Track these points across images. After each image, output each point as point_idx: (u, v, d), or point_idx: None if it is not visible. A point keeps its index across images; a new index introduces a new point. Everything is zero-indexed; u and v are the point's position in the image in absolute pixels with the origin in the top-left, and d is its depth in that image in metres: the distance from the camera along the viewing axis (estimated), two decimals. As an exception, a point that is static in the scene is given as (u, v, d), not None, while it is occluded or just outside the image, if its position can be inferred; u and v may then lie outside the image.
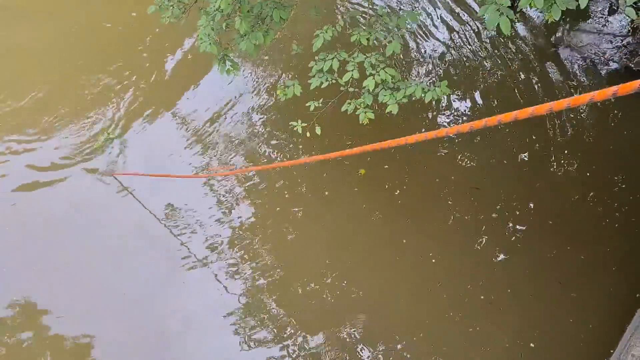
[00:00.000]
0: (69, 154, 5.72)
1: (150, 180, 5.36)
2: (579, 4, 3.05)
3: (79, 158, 5.69)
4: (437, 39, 6.57)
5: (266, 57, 6.46)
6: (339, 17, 4.87)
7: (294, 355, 4.58)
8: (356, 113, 4.72)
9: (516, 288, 4.75)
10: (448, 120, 5.82)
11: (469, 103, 5.96)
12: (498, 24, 3.43)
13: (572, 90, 5.94)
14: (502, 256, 4.92)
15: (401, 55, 6.24)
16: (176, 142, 5.80)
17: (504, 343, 4.49)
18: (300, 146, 5.70)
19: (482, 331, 4.57)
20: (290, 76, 6.12)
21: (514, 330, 4.54)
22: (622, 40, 6.49)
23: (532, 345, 4.46)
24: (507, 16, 3.37)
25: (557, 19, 3.07)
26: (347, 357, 4.53)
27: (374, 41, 4.75)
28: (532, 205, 5.18)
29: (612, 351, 3.82)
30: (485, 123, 1.95)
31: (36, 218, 5.25)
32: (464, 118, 5.82)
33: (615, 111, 5.77)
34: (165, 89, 6.24)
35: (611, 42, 6.48)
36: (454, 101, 5.96)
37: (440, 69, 6.25)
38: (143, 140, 5.84)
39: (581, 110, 5.78)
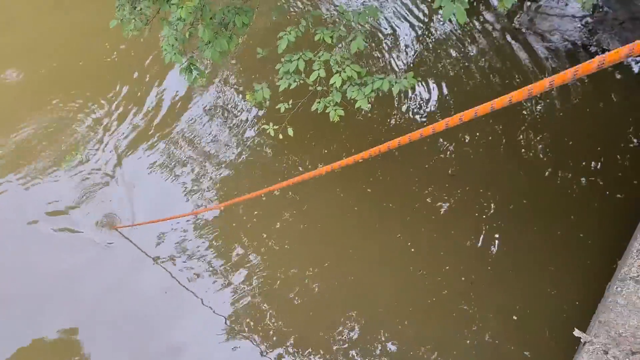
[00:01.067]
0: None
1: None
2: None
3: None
4: (404, 31, 6.63)
5: (233, 62, 6.45)
6: (302, 18, 4.88)
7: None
8: (326, 111, 4.74)
9: (496, 266, 4.81)
10: (418, 110, 5.88)
11: (436, 92, 6.03)
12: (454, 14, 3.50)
13: (539, 74, 6.04)
14: (480, 237, 4.98)
15: (368, 50, 6.29)
16: (163, 174, 5.75)
17: (488, 320, 4.55)
18: (276, 150, 5.71)
19: (466, 312, 4.62)
20: (258, 79, 6.12)
21: (497, 306, 4.61)
22: (581, 20, 6.62)
23: (514, 318, 4.55)
24: (461, 5, 3.42)
25: (509, 7, 3.13)
26: (337, 353, 4.56)
27: (338, 39, 4.79)
28: (506, 186, 5.25)
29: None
30: (461, 117, 1.94)
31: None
32: (433, 107, 5.88)
33: (581, 90, 5.89)
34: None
35: (572, 23, 6.61)
36: (422, 92, 6.02)
37: (408, 60, 6.30)
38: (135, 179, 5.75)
39: (550, 92, 5.89)
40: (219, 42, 4.75)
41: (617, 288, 2.70)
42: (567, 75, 1.63)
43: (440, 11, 3.55)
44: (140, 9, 4.89)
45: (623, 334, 2.58)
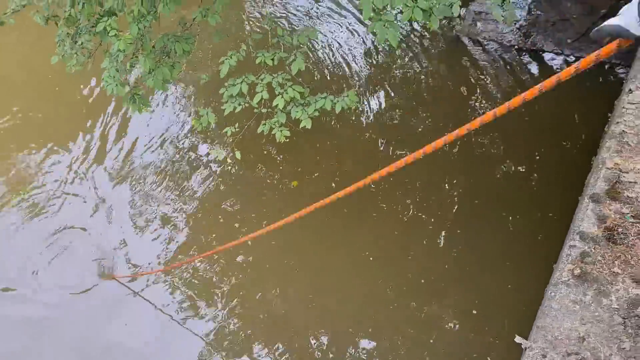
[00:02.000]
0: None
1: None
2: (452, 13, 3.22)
3: None
4: (345, 49, 6.71)
5: (178, 88, 6.37)
6: (242, 42, 4.88)
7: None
8: (272, 133, 4.76)
9: (453, 265, 4.90)
10: (367, 121, 5.96)
11: (382, 103, 6.13)
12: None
13: (480, 80, 6.23)
14: (436, 239, 5.06)
15: (310, 69, 6.34)
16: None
17: (448, 317, 4.64)
18: (229, 174, 5.67)
19: (427, 312, 4.69)
20: (203, 104, 6.07)
21: (456, 302, 4.69)
22: (515, 24, 6.87)
23: (474, 312, 4.65)
24: (394, 30, 3.50)
25: (436, 27, 3.22)
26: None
27: (278, 60, 4.81)
28: (462, 184, 5.36)
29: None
30: (445, 139, 2.04)
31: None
32: (377, 116, 5.97)
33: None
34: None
35: (508, 27, 6.86)
36: (365, 104, 6.10)
37: (350, 78, 6.38)
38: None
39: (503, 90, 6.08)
40: (161, 71, 4.69)
41: (551, 293, 2.81)
42: (534, 91, 1.72)
43: (375, 35, 3.63)
44: (81, 43, 4.77)
45: (559, 336, 2.69)
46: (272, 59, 4.74)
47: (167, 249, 5.20)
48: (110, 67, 4.70)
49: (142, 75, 4.79)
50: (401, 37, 6.73)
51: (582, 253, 2.88)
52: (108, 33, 4.41)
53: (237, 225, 5.27)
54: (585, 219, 2.99)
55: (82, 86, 6.48)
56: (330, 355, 4.60)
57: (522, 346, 2.75)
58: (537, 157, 5.46)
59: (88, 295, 4.92)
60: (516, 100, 1.94)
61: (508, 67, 6.38)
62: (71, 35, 4.70)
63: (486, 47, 6.65)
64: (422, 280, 4.89)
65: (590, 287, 2.78)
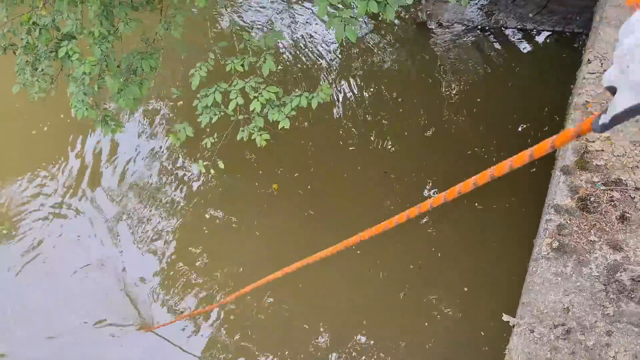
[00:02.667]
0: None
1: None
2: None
3: None
4: (312, 45, 6.69)
5: (153, 106, 6.30)
6: (209, 51, 4.83)
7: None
8: (252, 138, 4.74)
9: (440, 247, 4.96)
10: (342, 112, 5.97)
11: (356, 93, 6.13)
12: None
13: (447, 63, 6.26)
14: (420, 223, 5.09)
15: (280, 70, 6.31)
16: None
17: (440, 296, 4.70)
18: (211, 184, 5.64)
19: (419, 297, 4.74)
20: (179, 119, 6.01)
21: (447, 282, 4.76)
22: (477, 3, 6.91)
23: (465, 289, 4.72)
24: (351, 25, 3.50)
25: (392, 18, 3.23)
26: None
27: (252, 64, 4.78)
28: (440, 171, 5.40)
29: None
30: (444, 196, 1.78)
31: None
32: (353, 104, 5.98)
33: (502, 70, 6.14)
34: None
35: (469, 8, 6.89)
36: (336, 98, 6.10)
37: (322, 72, 6.37)
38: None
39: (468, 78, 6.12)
40: (131, 90, 4.63)
41: (532, 268, 2.87)
42: (525, 157, 1.45)
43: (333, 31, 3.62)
44: (42, 70, 4.69)
45: (544, 310, 2.75)
46: (242, 65, 4.69)
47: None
48: (77, 91, 4.63)
49: (112, 95, 4.73)
50: (365, 27, 6.73)
51: (559, 226, 2.94)
52: (70, 57, 4.35)
53: (231, 232, 5.28)
54: (558, 192, 3.05)
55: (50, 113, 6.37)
56: (325, 348, 4.64)
57: (510, 324, 2.81)
58: (507, 138, 5.53)
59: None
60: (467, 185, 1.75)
61: (474, 47, 6.43)
62: (31, 63, 4.61)
63: (451, 29, 6.68)
64: (411, 266, 4.94)
65: (569, 258, 2.85)
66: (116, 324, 4.94)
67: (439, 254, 4.96)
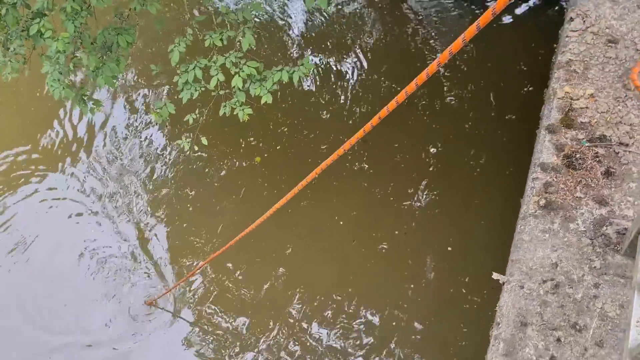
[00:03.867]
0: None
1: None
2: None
3: None
4: (293, 19, 6.50)
5: (132, 84, 6.09)
6: (187, 26, 4.64)
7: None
8: (234, 113, 4.61)
9: (422, 211, 4.93)
10: (318, 86, 5.85)
11: (332, 67, 6.00)
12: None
13: (422, 31, 6.14)
14: (402, 189, 5.01)
15: (264, 44, 6.14)
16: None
17: (425, 261, 4.69)
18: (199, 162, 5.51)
19: (403, 263, 4.72)
20: (160, 96, 5.82)
21: (432, 245, 4.74)
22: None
23: (449, 249, 4.71)
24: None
25: (326, 7, 3.10)
26: (292, 332, 4.55)
27: (231, 38, 4.62)
28: (420, 136, 5.34)
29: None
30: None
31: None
32: (328, 80, 5.86)
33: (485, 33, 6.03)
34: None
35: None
36: (316, 71, 5.97)
37: (303, 46, 6.21)
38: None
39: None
40: (107, 67, 4.44)
41: (520, 227, 2.84)
42: (472, 29, 1.56)
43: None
44: (14, 50, 4.46)
45: (533, 267, 2.73)
46: (221, 39, 4.52)
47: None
48: (52, 70, 4.42)
49: (88, 74, 4.54)
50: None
51: (545, 184, 2.91)
52: (42, 35, 4.13)
53: (218, 207, 5.19)
54: (544, 150, 3.00)
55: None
56: (314, 318, 4.61)
57: (500, 281, 2.79)
58: (492, 101, 5.48)
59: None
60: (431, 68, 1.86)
61: (448, 15, 6.29)
62: (1, 42, 4.38)
63: (432, 4, 6.52)
64: (396, 232, 4.91)
65: (556, 215, 2.82)
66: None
67: (425, 220, 4.93)
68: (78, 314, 4.80)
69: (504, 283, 2.75)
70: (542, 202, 2.83)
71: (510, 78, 5.56)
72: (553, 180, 2.90)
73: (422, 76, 1.88)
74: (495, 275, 2.78)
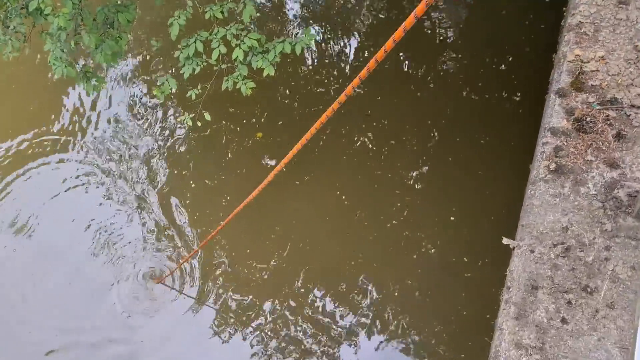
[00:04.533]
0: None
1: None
2: None
3: None
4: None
5: (133, 61, 5.98)
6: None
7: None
8: (237, 87, 4.53)
9: (425, 183, 4.91)
10: (330, 54, 5.74)
11: (331, 37, 5.88)
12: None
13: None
14: (404, 163, 4.98)
15: (266, 14, 6.00)
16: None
17: (428, 232, 4.69)
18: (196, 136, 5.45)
19: (405, 235, 4.71)
20: (162, 73, 5.72)
21: (435, 216, 4.72)
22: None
23: (452, 218, 4.71)
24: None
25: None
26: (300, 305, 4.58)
27: (229, 11, 4.50)
28: (421, 111, 5.25)
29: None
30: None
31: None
32: (341, 51, 5.75)
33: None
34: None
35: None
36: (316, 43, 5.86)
37: (304, 17, 6.06)
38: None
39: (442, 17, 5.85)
40: (108, 45, 4.35)
41: (530, 191, 2.79)
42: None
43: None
44: (14, 28, 4.37)
45: (543, 231, 2.69)
46: (222, 11, 4.41)
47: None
48: (54, 48, 4.34)
49: (90, 51, 4.45)
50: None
51: (555, 148, 2.85)
52: (42, 12, 4.03)
53: (221, 178, 5.16)
54: (554, 115, 2.93)
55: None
56: (317, 289, 4.63)
57: (510, 246, 2.76)
58: (501, 68, 5.36)
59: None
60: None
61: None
62: (1, 21, 4.29)
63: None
64: (398, 204, 4.87)
65: (567, 179, 2.77)
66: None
67: (427, 192, 4.89)
68: (84, 291, 4.83)
69: (514, 248, 2.72)
70: (553, 166, 2.78)
71: (515, 46, 5.43)
72: (563, 144, 2.84)
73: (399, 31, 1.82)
74: (505, 240, 2.75)
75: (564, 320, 2.47)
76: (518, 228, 2.76)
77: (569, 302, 2.50)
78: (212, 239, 4.68)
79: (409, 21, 1.71)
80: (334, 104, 2.33)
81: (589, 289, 2.51)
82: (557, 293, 2.53)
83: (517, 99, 5.12)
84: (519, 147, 4.85)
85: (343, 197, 4.93)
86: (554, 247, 2.63)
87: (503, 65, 5.34)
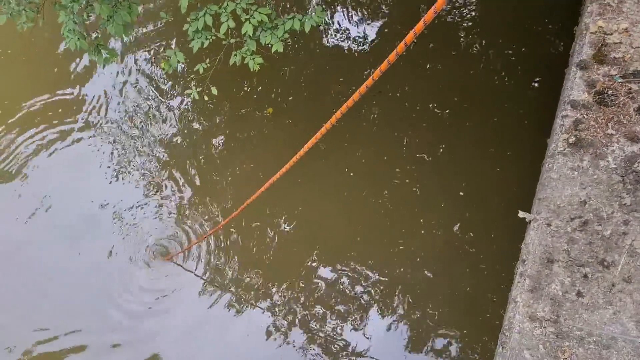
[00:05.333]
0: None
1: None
2: None
3: None
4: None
5: (141, 33, 5.89)
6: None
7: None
8: (245, 62, 4.44)
9: (435, 159, 4.82)
10: (339, 36, 5.62)
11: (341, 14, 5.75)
12: None
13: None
14: (413, 140, 4.89)
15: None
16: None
17: (436, 208, 4.64)
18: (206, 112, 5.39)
19: (413, 212, 4.64)
20: (171, 45, 5.63)
21: (443, 192, 4.66)
22: None
23: (461, 193, 4.65)
24: None
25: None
26: (310, 285, 4.56)
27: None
28: (433, 88, 5.14)
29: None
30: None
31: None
32: (346, 31, 5.63)
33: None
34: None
35: None
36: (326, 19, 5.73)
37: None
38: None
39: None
40: (120, 15, 4.27)
41: (548, 165, 2.71)
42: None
43: None
44: (28, -1, 4.30)
45: (561, 204, 2.62)
46: (232, -16, 4.32)
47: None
48: (67, 19, 4.27)
49: (101, 23, 4.38)
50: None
51: (575, 121, 2.76)
52: (54, -19, 3.96)
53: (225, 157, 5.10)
54: (575, 87, 2.83)
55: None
56: (326, 266, 4.60)
57: (526, 219, 2.69)
58: (521, 47, 5.21)
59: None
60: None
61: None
62: (15, -9, 4.22)
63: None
64: (407, 181, 4.77)
65: (586, 153, 2.69)
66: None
67: (437, 169, 4.81)
68: (94, 265, 4.83)
69: (530, 221, 2.66)
70: (572, 139, 2.69)
71: (536, 21, 5.26)
72: (583, 117, 2.75)
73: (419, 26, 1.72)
74: (521, 214, 2.68)
75: (579, 294, 2.41)
76: (534, 201, 2.69)
77: (585, 276, 2.44)
78: (222, 226, 4.65)
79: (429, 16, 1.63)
80: (361, 88, 2.22)
81: (605, 263, 2.44)
82: (573, 267, 2.46)
83: (536, 82, 4.99)
84: (531, 125, 4.77)
85: (351, 174, 4.86)
86: (571, 220, 2.56)
87: (519, 44, 5.20)
